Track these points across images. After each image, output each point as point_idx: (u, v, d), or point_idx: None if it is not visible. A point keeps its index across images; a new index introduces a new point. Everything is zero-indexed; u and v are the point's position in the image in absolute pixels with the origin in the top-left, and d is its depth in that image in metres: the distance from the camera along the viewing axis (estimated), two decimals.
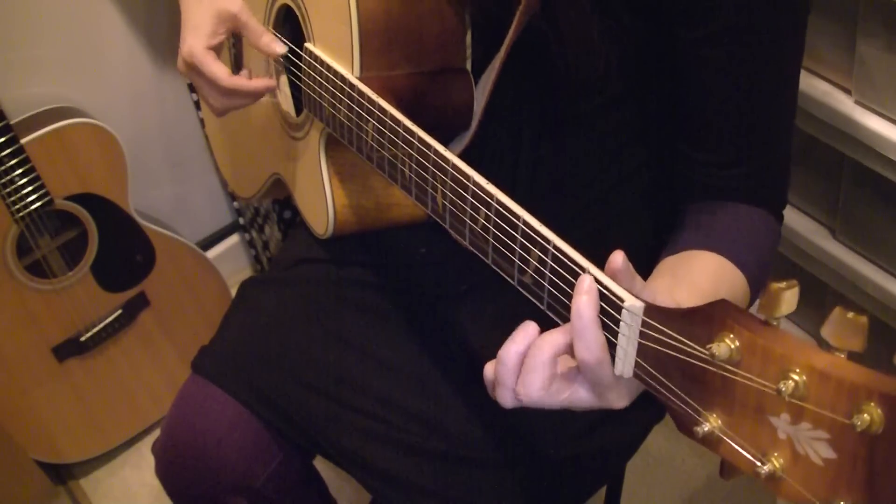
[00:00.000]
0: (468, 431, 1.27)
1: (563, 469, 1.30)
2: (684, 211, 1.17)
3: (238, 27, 1.23)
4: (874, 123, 1.40)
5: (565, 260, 0.82)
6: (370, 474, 1.27)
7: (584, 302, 0.80)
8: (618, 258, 0.81)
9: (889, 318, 1.58)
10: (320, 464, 1.46)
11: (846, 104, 1.44)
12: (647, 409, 1.28)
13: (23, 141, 1.78)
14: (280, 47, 1.23)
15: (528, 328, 0.86)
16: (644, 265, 1.09)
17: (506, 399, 0.88)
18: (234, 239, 2.58)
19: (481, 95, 1.15)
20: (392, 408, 1.27)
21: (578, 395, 0.86)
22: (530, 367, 0.84)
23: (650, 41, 1.10)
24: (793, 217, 1.69)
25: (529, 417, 1.27)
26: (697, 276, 1.04)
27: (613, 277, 0.81)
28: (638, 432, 1.38)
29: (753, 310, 0.66)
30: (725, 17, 1.03)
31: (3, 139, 1.75)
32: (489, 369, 0.90)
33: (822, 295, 1.74)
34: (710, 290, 1.00)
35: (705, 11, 1.03)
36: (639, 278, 0.82)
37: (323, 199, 1.25)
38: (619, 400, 0.86)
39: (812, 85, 1.49)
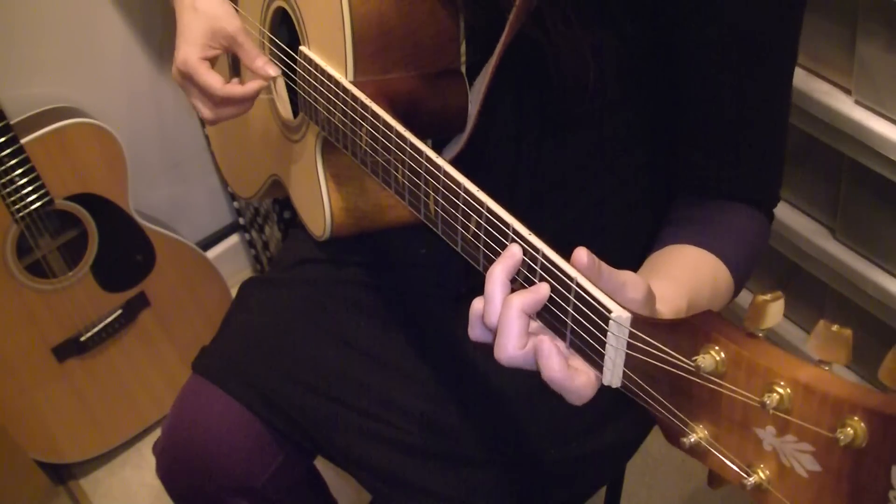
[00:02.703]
0: (468, 431, 1.27)
1: (562, 469, 1.30)
2: (673, 207, 1.18)
3: (233, 47, 1.23)
4: (874, 123, 1.40)
5: (554, 270, 0.81)
6: (370, 474, 1.28)
7: (548, 364, 0.82)
8: (582, 256, 0.81)
9: (889, 318, 1.57)
10: (320, 464, 1.46)
11: (846, 104, 1.44)
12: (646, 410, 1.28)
13: (23, 141, 1.79)
14: (273, 70, 1.23)
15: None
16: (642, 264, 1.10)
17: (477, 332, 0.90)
18: (234, 239, 2.59)
19: (476, 98, 1.15)
20: (392, 408, 1.27)
21: None
22: (502, 323, 0.84)
23: (649, 47, 1.10)
24: (793, 217, 1.69)
25: (530, 417, 1.28)
26: (675, 268, 1.05)
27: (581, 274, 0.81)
28: (638, 432, 1.38)
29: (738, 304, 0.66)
30: (725, 23, 1.03)
31: (3, 139, 1.75)
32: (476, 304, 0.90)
33: (822, 295, 1.74)
34: (689, 281, 1.01)
35: (705, 18, 1.03)
36: (605, 270, 0.82)
37: (320, 202, 1.25)
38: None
39: (812, 85, 1.48)
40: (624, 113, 1.20)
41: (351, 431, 1.27)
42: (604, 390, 1.29)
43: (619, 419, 1.32)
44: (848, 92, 1.46)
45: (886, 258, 1.56)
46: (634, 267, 1.03)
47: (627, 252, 1.04)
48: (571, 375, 0.82)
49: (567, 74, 1.08)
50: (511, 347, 0.84)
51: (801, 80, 1.49)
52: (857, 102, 1.44)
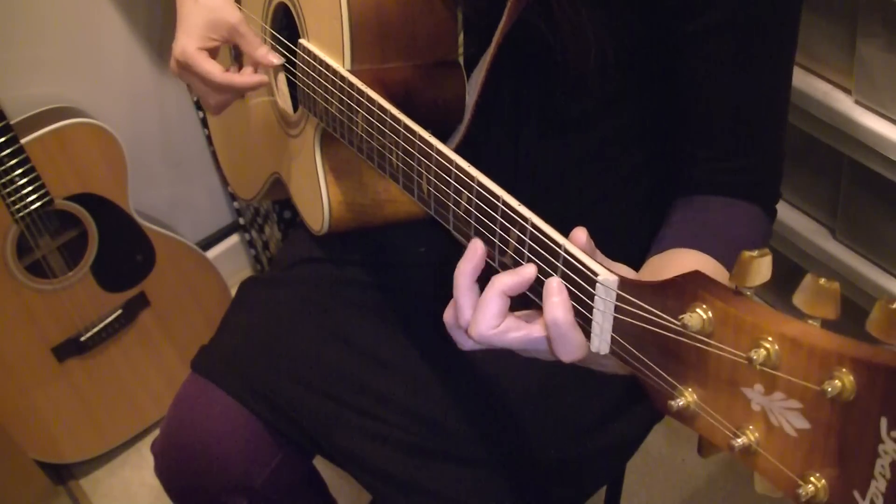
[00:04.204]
0: (467, 431, 1.26)
1: (562, 469, 1.30)
2: (673, 206, 1.17)
3: (235, 38, 1.24)
4: (874, 123, 1.40)
5: (543, 238, 0.81)
6: (370, 474, 1.27)
7: (556, 304, 0.80)
8: (581, 235, 0.81)
9: None
10: (320, 464, 1.46)
11: (846, 104, 1.45)
12: (647, 409, 1.28)
13: (23, 141, 1.79)
14: (276, 58, 1.23)
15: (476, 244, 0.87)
16: (642, 265, 1.09)
17: (460, 337, 0.88)
18: (234, 239, 2.59)
19: (473, 89, 1.15)
20: (391, 407, 1.27)
21: (534, 343, 0.85)
22: (482, 300, 0.84)
23: (648, 35, 1.09)
24: (793, 217, 1.69)
25: (529, 417, 1.27)
26: None
27: None
28: (638, 432, 1.37)
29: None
30: (723, 9, 1.03)
31: (3, 139, 1.75)
32: (448, 314, 0.89)
33: None
34: None
35: (704, 3, 1.03)
36: (599, 255, 0.82)
37: (318, 195, 1.25)
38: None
39: (812, 85, 1.49)
40: (623, 111, 1.20)
41: (351, 431, 1.27)
42: (604, 391, 1.29)
43: (619, 419, 1.32)
44: (848, 92, 1.46)
45: (886, 258, 1.56)
46: (636, 263, 1.02)
47: (626, 251, 1.04)
48: (574, 323, 0.81)
49: (569, 60, 1.08)
50: (485, 326, 0.84)
51: (801, 80, 1.49)
52: (857, 102, 1.44)
